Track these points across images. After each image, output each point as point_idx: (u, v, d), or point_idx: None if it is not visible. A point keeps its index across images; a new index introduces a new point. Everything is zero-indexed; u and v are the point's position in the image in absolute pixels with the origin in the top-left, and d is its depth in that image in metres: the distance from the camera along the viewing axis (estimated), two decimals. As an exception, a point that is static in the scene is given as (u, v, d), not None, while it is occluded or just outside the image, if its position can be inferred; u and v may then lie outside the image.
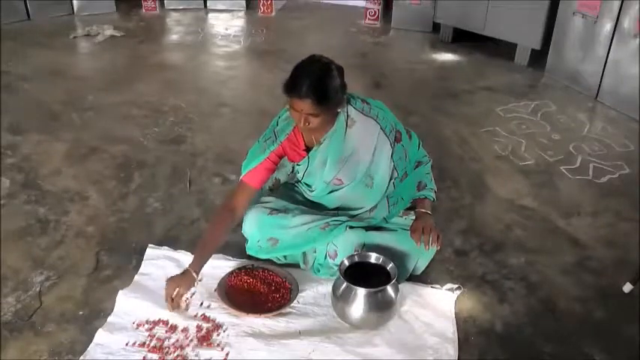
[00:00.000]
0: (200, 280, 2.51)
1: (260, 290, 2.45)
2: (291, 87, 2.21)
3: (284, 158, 2.53)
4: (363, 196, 2.56)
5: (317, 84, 2.18)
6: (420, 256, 2.56)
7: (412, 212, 2.65)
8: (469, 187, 3.40)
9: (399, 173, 2.54)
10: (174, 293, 2.30)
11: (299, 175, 2.59)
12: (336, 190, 2.55)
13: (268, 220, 2.53)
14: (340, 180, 2.49)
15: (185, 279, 2.32)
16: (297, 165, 2.52)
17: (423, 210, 2.57)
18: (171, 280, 2.32)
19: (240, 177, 2.48)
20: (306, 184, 2.63)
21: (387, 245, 2.51)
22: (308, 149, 2.47)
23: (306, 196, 2.68)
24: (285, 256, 2.62)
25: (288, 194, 2.69)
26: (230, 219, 2.46)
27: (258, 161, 2.43)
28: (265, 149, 2.43)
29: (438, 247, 2.48)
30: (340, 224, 2.49)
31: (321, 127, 2.33)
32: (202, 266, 2.37)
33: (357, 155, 2.44)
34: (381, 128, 2.43)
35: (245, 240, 2.64)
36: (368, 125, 2.42)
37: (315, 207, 2.64)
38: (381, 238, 2.53)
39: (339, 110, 2.35)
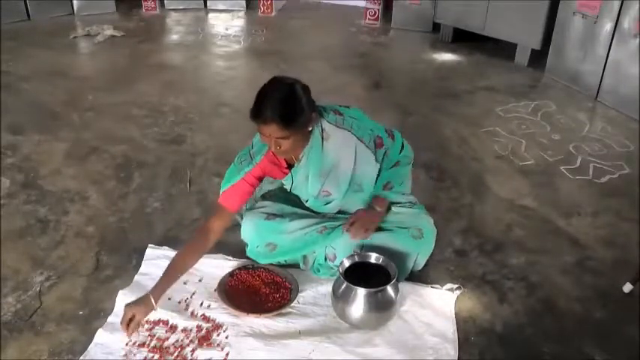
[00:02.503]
0: (200, 280, 2.52)
1: (260, 290, 2.45)
2: (256, 113, 2.16)
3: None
4: (357, 200, 2.55)
5: (280, 107, 2.13)
6: (420, 252, 2.55)
7: (407, 203, 2.65)
8: (469, 187, 3.40)
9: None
10: (130, 319, 2.20)
11: (287, 188, 2.57)
12: (330, 202, 2.55)
13: (265, 225, 2.53)
14: (327, 191, 2.49)
15: (143, 305, 2.24)
16: (283, 181, 2.51)
17: (372, 205, 2.51)
18: (129, 307, 2.22)
19: (218, 199, 2.45)
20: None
21: (384, 245, 2.50)
22: (290, 166, 2.45)
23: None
24: (285, 260, 2.62)
25: (285, 197, 2.68)
26: (203, 245, 2.43)
27: (233, 181, 2.40)
28: (240, 170, 2.40)
29: (366, 237, 2.44)
30: (337, 227, 2.49)
31: (295, 147, 2.29)
32: (164, 292, 2.32)
33: (339, 167, 2.42)
34: (357, 138, 2.39)
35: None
36: (344, 137, 2.38)
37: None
38: (379, 238, 2.52)
39: (310, 128, 2.31)
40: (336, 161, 2.40)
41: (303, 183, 2.47)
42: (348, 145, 2.39)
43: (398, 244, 2.51)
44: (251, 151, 2.43)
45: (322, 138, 2.36)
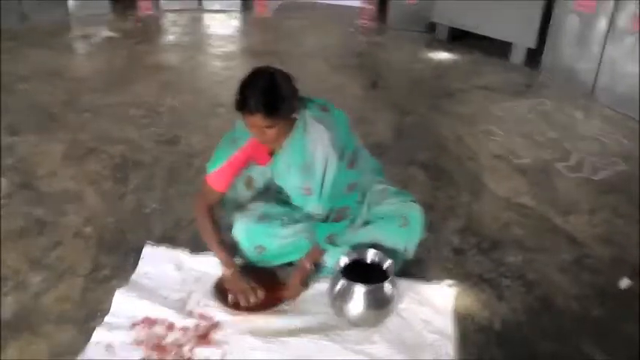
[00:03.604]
0: (198, 279, 2.52)
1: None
2: (241, 104, 2.18)
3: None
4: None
5: (264, 96, 2.15)
6: (407, 238, 2.52)
7: (395, 196, 2.60)
8: (466, 185, 3.40)
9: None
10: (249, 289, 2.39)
11: (269, 175, 2.56)
12: (310, 202, 2.54)
13: (256, 227, 2.53)
14: (309, 188, 2.48)
15: (240, 278, 2.41)
16: (267, 168, 2.51)
17: (305, 262, 2.49)
18: (236, 284, 2.40)
19: (205, 176, 2.48)
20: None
21: (372, 238, 2.50)
22: (272, 154, 2.44)
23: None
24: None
25: (276, 197, 2.65)
26: (212, 213, 2.51)
27: (219, 163, 2.42)
28: (225, 154, 2.42)
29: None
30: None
31: (280, 135, 2.29)
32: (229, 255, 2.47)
33: (315, 163, 2.40)
34: (330, 139, 2.36)
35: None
36: (321, 133, 2.36)
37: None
38: (364, 232, 2.51)
39: (294, 116, 2.30)
40: (314, 155, 2.39)
41: (286, 172, 2.46)
42: (323, 143, 2.37)
43: (384, 235, 2.49)
44: (234, 136, 2.43)
45: (305, 130, 2.35)
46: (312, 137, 2.36)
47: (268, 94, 2.16)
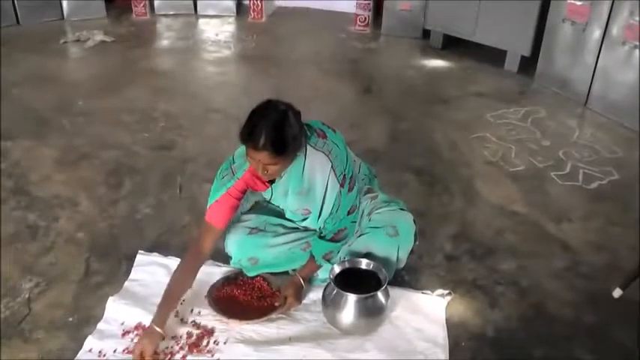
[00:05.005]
0: (189, 288, 2.50)
1: (250, 297, 2.45)
2: (248, 137, 2.09)
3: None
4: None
5: (274, 135, 2.07)
6: (399, 248, 2.50)
7: (386, 204, 2.57)
8: (460, 192, 3.41)
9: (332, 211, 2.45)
10: (142, 354, 2.14)
11: (266, 198, 2.52)
12: (307, 219, 2.53)
13: (249, 240, 2.53)
14: (307, 210, 2.47)
15: (150, 337, 2.18)
16: (263, 194, 2.48)
17: (299, 277, 2.48)
18: (136, 344, 2.18)
19: (205, 216, 2.38)
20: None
21: (363, 249, 2.50)
22: (271, 180, 2.38)
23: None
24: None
25: (269, 208, 2.64)
26: (196, 267, 2.39)
27: (217, 197, 2.34)
28: (223, 186, 2.34)
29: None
30: None
31: (281, 171, 2.25)
32: (167, 319, 2.24)
33: (314, 189, 2.37)
34: (331, 165, 2.32)
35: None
36: (320, 160, 2.32)
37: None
38: (355, 243, 2.51)
39: (298, 154, 2.27)
40: (313, 182, 2.36)
41: (283, 196, 2.45)
42: (323, 171, 2.33)
43: (375, 245, 2.48)
44: (232, 166, 2.36)
45: (305, 158, 2.31)
46: (311, 165, 2.32)
47: (278, 134, 2.08)
